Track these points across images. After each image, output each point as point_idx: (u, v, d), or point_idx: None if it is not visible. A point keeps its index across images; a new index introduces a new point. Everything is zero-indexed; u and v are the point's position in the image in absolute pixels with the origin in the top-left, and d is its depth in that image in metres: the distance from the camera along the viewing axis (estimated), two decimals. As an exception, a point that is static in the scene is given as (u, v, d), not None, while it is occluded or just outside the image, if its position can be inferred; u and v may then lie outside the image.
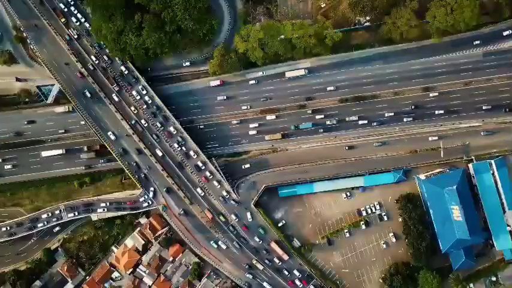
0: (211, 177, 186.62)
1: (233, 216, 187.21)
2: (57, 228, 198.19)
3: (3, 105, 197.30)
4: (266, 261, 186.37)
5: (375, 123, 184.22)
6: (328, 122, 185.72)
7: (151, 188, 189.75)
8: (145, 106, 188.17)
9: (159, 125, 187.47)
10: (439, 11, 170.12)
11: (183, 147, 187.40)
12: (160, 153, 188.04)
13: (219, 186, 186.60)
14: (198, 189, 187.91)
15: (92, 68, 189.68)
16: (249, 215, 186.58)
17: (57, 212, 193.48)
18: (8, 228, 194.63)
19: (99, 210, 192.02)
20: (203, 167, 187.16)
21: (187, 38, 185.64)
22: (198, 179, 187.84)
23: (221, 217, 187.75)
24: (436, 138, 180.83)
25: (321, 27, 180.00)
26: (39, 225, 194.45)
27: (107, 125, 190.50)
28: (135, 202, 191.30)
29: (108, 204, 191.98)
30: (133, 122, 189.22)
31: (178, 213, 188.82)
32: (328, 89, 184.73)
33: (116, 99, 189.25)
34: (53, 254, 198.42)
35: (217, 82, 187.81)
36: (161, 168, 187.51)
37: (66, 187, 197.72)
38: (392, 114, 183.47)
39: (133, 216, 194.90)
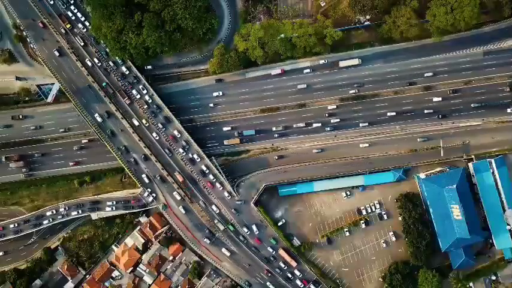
0: (214, 180, 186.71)
1: (245, 229, 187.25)
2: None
3: (3, 104, 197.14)
4: (277, 270, 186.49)
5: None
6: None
7: (149, 187, 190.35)
8: (146, 106, 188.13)
9: (160, 126, 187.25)
10: (439, 10, 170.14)
11: (189, 153, 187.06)
12: (179, 176, 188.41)
13: (221, 188, 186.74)
14: (213, 207, 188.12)
15: (110, 90, 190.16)
16: (254, 227, 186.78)
17: (61, 209, 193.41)
18: (16, 225, 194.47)
19: (107, 208, 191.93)
20: (207, 171, 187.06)
21: (187, 37, 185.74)
22: (204, 185, 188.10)
23: (230, 226, 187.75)
24: (367, 145, 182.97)
25: (321, 26, 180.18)
26: (45, 222, 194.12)
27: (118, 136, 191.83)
28: (139, 200, 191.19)
29: (115, 202, 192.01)
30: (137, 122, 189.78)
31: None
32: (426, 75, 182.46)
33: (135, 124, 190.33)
34: (53, 253, 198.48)
35: (278, 71, 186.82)
36: (177, 187, 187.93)
37: (67, 186, 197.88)
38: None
39: (133, 215, 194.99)
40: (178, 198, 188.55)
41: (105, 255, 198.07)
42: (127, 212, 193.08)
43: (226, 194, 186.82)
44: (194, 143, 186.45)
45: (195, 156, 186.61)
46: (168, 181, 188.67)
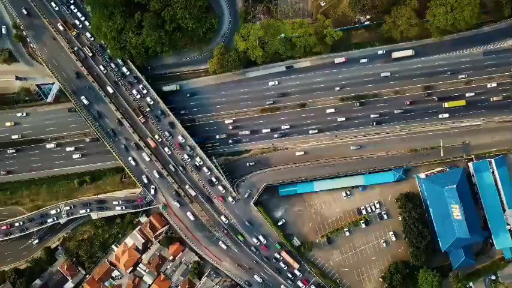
0: (216, 182, 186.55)
1: (254, 240, 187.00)
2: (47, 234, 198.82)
3: (3, 104, 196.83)
4: (289, 281, 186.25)
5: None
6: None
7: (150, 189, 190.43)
8: (148, 109, 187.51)
9: (167, 134, 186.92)
10: (439, 9, 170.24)
11: (195, 160, 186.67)
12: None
13: (224, 191, 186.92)
14: (222, 217, 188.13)
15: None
16: (261, 237, 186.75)
17: (66, 208, 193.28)
18: (21, 224, 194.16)
19: (117, 208, 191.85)
20: (208, 173, 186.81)
21: (188, 36, 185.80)
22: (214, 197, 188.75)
23: (239, 236, 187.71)
24: (302, 153, 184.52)
25: (321, 26, 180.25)
26: (49, 220, 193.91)
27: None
28: (144, 199, 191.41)
29: (121, 202, 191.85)
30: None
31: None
32: None
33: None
34: (53, 253, 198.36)
35: (343, 59, 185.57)
36: (177, 186, 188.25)
37: (67, 186, 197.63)
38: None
39: (133, 215, 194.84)
40: (176, 200, 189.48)
41: (105, 255, 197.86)
42: (132, 211, 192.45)
43: (230, 199, 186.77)
44: (196, 145, 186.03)
45: (198, 159, 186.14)
46: (169, 180, 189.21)
